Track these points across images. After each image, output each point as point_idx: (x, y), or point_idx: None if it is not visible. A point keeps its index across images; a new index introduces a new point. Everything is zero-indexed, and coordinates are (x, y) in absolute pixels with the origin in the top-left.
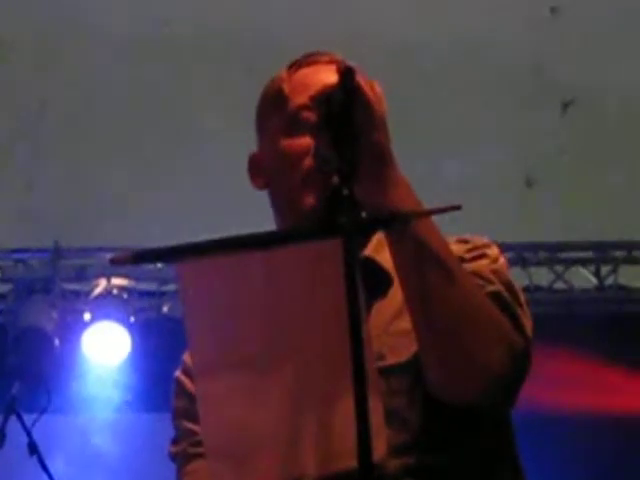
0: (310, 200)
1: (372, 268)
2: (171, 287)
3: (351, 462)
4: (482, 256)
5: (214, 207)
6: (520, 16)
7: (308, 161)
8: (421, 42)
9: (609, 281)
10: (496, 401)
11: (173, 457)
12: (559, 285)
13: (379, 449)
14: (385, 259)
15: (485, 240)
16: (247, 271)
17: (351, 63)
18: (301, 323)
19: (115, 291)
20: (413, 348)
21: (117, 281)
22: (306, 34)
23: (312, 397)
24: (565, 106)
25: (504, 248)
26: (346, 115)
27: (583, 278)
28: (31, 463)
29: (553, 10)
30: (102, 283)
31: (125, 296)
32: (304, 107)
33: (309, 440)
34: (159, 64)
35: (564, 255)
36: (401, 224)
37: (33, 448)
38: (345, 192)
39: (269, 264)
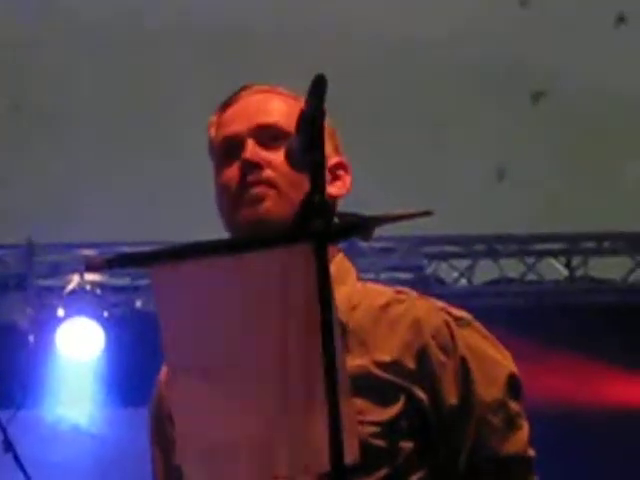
0: (244, 213)
1: None
2: (144, 282)
3: (324, 465)
4: None
5: (186, 204)
6: (490, 9)
7: (234, 182)
8: (391, 38)
9: (580, 272)
10: None
11: None
12: (530, 277)
13: (351, 453)
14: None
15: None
16: (220, 276)
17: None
18: (274, 327)
19: (88, 287)
20: None
21: (90, 277)
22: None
23: (284, 402)
24: (535, 97)
25: (475, 240)
26: (317, 121)
27: (554, 270)
28: (6, 459)
29: (523, 3)
30: (75, 279)
31: (98, 291)
32: (228, 138)
33: (282, 445)
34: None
35: (535, 247)
36: (372, 229)
37: (8, 445)
38: (317, 198)
39: (241, 269)
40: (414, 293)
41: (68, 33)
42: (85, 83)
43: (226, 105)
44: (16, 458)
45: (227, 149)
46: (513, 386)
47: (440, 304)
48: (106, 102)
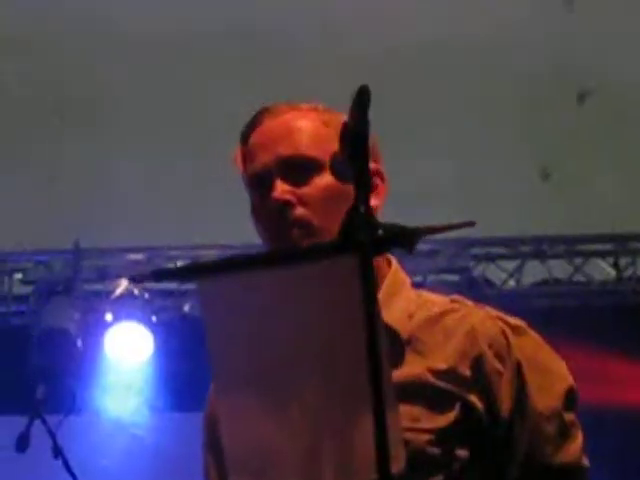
0: None
1: None
2: (192, 286)
3: (370, 475)
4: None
5: (234, 207)
6: (535, 8)
7: (269, 221)
8: (438, 40)
9: (628, 272)
10: None
11: None
12: (578, 277)
13: (398, 462)
14: (394, 317)
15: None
16: (265, 288)
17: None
18: (319, 340)
19: (136, 291)
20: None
21: None
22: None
23: (331, 413)
24: (581, 98)
25: (522, 242)
26: (362, 133)
27: (602, 270)
28: (56, 465)
29: (567, 1)
30: (123, 283)
31: (146, 296)
32: (256, 176)
33: (328, 456)
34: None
35: (582, 247)
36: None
37: (57, 451)
38: (362, 209)
39: (287, 281)
40: (469, 302)
41: (110, 40)
42: (131, 85)
43: (247, 135)
44: (65, 463)
45: (257, 185)
46: (570, 398)
47: (495, 312)
48: (153, 106)
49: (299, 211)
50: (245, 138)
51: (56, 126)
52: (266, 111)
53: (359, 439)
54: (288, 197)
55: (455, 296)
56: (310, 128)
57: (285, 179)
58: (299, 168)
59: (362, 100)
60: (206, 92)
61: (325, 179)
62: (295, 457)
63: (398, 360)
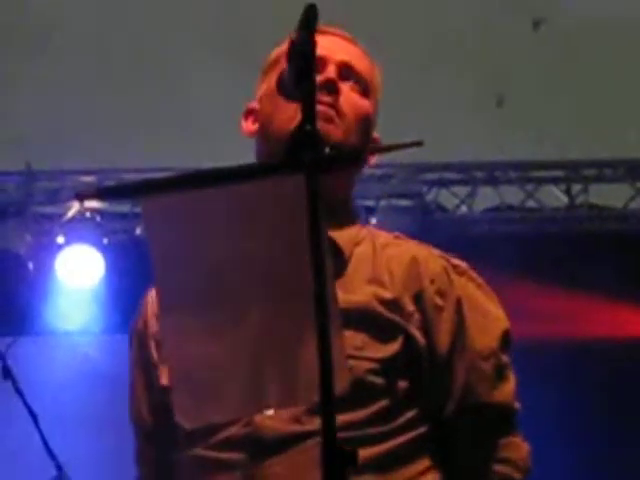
0: None
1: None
2: None
3: (313, 396)
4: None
5: (187, 131)
6: None
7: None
8: None
9: (580, 200)
10: None
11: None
12: (530, 204)
13: (341, 383)
14: (339, 234)
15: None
16: (211, 206)
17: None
18: (265, 259)
19: (88, 214)
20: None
21: (90, 203)
22: None
23: (276, 334)
24: (536, 24)
25: (475, 167)
26: (308, 52)
27: (554, 197)
28: (5, 386)
29: None
30: (75, 205)
31: (98, 218)
32: None
33: (272, 376)
34: None
35: (535, 174)
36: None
37: (7, 372)
38: (308, 128)
39: (233, 200)
40: (412, 240)
41: None
42: (88, 7)
43: None
44: (15, 384)
45: None
46: (506, 340)
47: (438, 251)
48: (110, 27)
49: (342, 100)
50: None
51: (9, 47)
52: (329, 28)
53: (303, 360)
54: (340, 84)
55: (398, 233)
56: (363, 56)
57: (339, 74)
58: (353, 77)
59: (309, 19)
60: (165, 22)
61: (365, 102)
62: (238, 377)
63: (345, 286)
